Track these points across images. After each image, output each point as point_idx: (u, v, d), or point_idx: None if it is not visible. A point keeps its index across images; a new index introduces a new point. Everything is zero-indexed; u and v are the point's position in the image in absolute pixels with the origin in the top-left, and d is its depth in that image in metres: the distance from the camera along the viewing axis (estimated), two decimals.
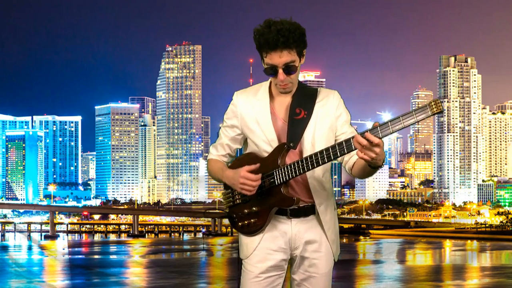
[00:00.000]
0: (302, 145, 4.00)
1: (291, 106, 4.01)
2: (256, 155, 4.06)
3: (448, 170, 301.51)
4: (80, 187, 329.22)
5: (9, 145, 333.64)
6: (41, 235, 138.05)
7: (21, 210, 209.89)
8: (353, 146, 3.71)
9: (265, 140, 4.03)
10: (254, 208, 4.06)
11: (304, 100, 4.02)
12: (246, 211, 4.08)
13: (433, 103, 3.53)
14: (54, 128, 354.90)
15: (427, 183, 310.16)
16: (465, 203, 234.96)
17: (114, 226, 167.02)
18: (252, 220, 4.07)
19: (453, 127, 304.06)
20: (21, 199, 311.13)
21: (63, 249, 70.75)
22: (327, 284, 4.16)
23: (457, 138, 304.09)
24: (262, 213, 4.04)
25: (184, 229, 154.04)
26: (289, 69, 3.91)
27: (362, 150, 3.66)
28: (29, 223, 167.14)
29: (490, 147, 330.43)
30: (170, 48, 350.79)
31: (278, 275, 4.11)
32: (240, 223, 4.12)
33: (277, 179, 3.96)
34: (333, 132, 4.04)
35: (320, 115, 4.01)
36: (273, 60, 3.89)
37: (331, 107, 4.04)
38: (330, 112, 4.04)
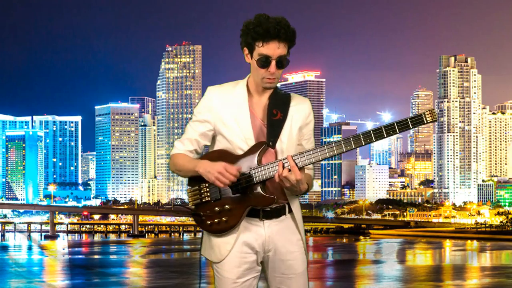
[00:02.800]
0: (278, 146, 3.99)
1: (268, 106, 4.02)
2: (229, 152, 3.99)
3: (448, 170, 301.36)
4: (80, 187, 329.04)
5: (9, 145, 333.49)
6: (41, 235, 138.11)
7: (21, 210, 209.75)
8: (343, 148, 3.79)
9: (241, 138, 3.98)
10: (227, 206, 3.95)
11: (279, 102, 4.03)
12: (217, 209, 3.97)
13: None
14: (54, 128, 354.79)
15: (427, 183, 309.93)
16: (465, 203, 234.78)
17: (114, 226, 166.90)
18: (223, 219, 3.96)
19: (453, 127, 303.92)
20: (21, 199, 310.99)
21: (63, 249, 70.74)
22: (305, 282, 4.11)
23: (457, 138, 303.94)
24: (236, 212, 3.95)
25: (184, 229, 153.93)
26: (282, 62, 3.93)
27: (280, 176, 3.82)
28: (29, 223, 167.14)
29: (490, 147, 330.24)
30: (170, 48, 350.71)
31: (254, 277, 4.06)
32: (208, 222, 4.00)
33: (255, 178, 3.91)
34: (300, 136, 4.08)
35: (294, 119, 4.04)
36: (269, 51, 3.89)
37: (304, 113, 4.07)
38: (302, 116, 4.07)
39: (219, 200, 3.97)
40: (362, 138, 3.77)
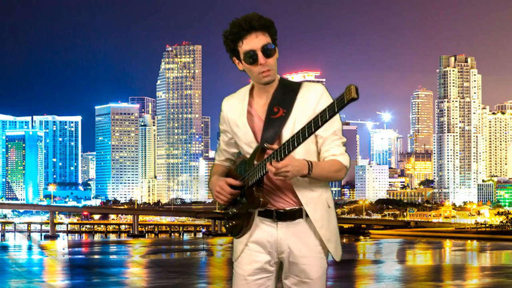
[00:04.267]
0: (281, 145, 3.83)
1: (269, 105, 3.95)
2: (243, 158, 4.06)
3: (448, 170, 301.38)
4: (80, 187, 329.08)
5: (9, 145, 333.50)
6: (41, 235, 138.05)
7: (21, 210, 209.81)
8: (306, 133, 3.58)
9: (245, 142, 4.01)
10: (235, 210, 4.06)
11: (284, 97, 3.93)
12: (230, 213, 4.09)
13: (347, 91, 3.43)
14: (54, 128, 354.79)
15: (427, 183, 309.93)
16: (465, 203, 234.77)
17: (114, 226, 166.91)
18: (234, 222, 4.07)
19: (453, 127, 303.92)
20: (21, 199, 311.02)
21: (63, 249, 70.73)
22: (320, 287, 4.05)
23: (457, 138, 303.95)
24: (241, 215, 4.02)
25: (184, 229, 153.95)
26: (268, 51, 3.86)
27: (275, 176, 3.76)
28: (29, 223, 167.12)
29: (490, 147, 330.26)
30: (170, 48, 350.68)
31: (266, 277, 4.07)
32: (227, 225, 4.14)
33: (250, 180, 3.92)
34: None
35: (299, 112, 3.90)
36: (250, 44, 3.85)
37: (311, 103, 3.91)
38: (309, 107, 3.91)
39: (234, 205, 4.07)
40: (319, 118, 3.50)
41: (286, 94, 3.94)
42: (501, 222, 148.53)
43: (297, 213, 3.99)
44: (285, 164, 3.67)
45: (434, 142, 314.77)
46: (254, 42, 3.85)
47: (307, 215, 3.98)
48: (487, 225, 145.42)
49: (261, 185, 3.93)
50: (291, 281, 4.07)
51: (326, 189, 4.05)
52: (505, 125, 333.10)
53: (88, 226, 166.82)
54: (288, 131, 3.88)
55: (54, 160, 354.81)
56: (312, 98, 3.91)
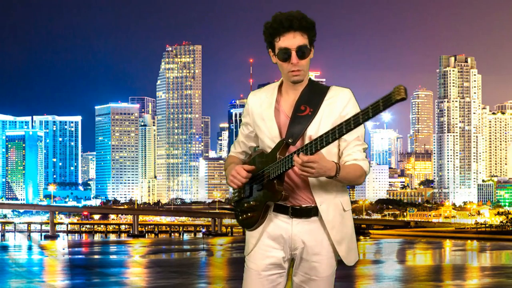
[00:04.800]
0: (304, 142, 3.91)
1: (296, 102, 3.99)
2: (263, 151, 4.08)
3: (448, 170, 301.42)
4: (80, 187, 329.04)
5: (9, 145, 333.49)
6: (41, 235, 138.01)
7: (21, 210, 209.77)
8: (336, 134, 3.65)
9: (269, 137, 4.03)
10: (252, 202, 4.05)
11: (312, 97, 3.99)
12: (246, 205, 4.09)
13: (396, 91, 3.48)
14: (54, 128, 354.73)
15: (427, 183, 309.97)
16: (465, 203, 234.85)
17: (114, 226, 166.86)
18: (249, 214, 4.07)
19: (453, 127, 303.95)
20: (21, 199, 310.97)
21: (63, 249, 70.73)
22: (328, 287, 4.08)
23: (457, 138, 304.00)
24: (258, 208, 4.02)
25: (184, 229, 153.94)
26: (303, 52, 3.91)
27: (299, 168, 3.73)
28: (29, 223, 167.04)
29: (490, 147, 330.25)
30: (170, 48, 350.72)
31: (279, 273, 4.08)
32: (240, 217, 4.15)
33: (272, 173, 3.92)
34: None
35: (326, 113, 3.95)
36: (286, 42, 3.90)
37: (338, 106, 3.96)
38: (336, 110, 3.96)
39: (249, 197, 4.08)
40: (360, 116, 3.54)
41: (314, 94, 3.99)
42: (501, 222, 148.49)
43: (312, 211, 4.01)
44: (314, 159, 3.69)
45: (434, 142, 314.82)
46: (291, 41, 3.90)
47: (319, 212, 4.01)
48: (487, 225, 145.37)
49: (283, 179, 3.95)
50: (299, 278, 4.09)
51: (343, 192, 4.07)
52: (505, 125, 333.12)
53: (88, 226, 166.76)
54: (313, 130, 3.93)
55: (54, 160, 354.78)
56: (339, 102, 3.96)
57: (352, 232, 4.11)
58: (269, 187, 3.96)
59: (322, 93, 3.99)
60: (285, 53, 3.92)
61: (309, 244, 4.02)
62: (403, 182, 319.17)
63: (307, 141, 3.92)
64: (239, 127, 4.31)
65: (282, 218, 4.04)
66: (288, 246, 4.05)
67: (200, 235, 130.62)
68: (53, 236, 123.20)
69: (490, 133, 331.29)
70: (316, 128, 3.93)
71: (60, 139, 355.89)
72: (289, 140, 3.93)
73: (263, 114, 4.06)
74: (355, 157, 3.97)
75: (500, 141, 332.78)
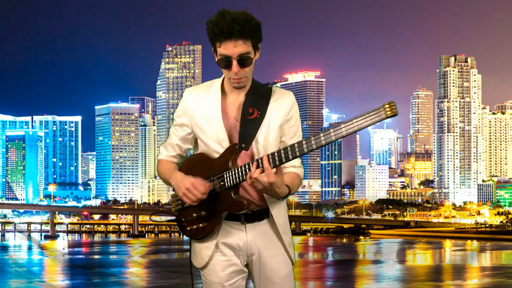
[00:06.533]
0: (254, 147, 3.80)
1: (244, 105, 3.80)
2: (207, 156, 3.84)
3: (448, 170, 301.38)
4: (80, 187, 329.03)
5: (9, 145, 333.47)
6: (41, 235, 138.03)
7: (21, 210, 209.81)
8: (304, 149, 3.55)
9: (215, 140, 3.81)
10: (203, 212, 3.81)
11: (257, 99, 3.81)
12: (194, 215, 3.83)
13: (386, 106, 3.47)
14: (54, 128, 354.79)
15: (427, 183, 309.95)
16: (465, 203, 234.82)
17: (114, 226, 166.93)
18: (200, 225, 3.84)
19: (453, 127, 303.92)
20: (21, 199, 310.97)
21: (63, 249, 70.73)
22: (290, 286, 3.98)
23: (457, 138, 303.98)
24: (211, 218, 3.81)
25: None
26: (244, 61, 3.69)
27: (251, 178, 3.61)
28: (29, 223, 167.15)
29: (490, 147, 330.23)
30: (170, 48, 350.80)
31: (241, 278, 3.95)
32: (188, 228, 3.88)
33: (227, 182, 3.73)
34: (280, 134, 3.87)
35: (273, 116, 3.81)
36: (227, 50, 3.66)
37: (284, 108, 3.84)
38: (282, 113, 3.83)
39: (197, 206, 3.81)
40: (331, 133, 3.47)
41: (260, 96, 3.82)
42: (501, 222, 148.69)
43: (264, 213, 3.89)
44: (272, 179, 3.59)
45: (434, 142, 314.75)
46: (232, 50, 3.66)
47: (272, 215, 3.91)
48: (487, 225, 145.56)
49: (238, 187, 3.78)
50: (261, 282, 3.96)
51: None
52: (505, 125, 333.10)
53: (88, 226, 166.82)
54: (262, 134, 3.79)
55: (54, 160, 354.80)
56: (285, 105, 3.84)
57: (291, 232, 4.03)
58: (224, 197, 3.76)
59: (267, 95, 3.83)
60: (226, 61, 3.69)
61: (265, 247, 3.91)
62: (403, 182, 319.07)
63: (257, 146, 3.78)
64: (171, 128, 3.98)
65: (234, 225, 3.88)
66: (245, 253, 3.91)
67: None
68: (53, 236, 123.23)
69: (490, 133, 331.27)
70: (265, 132, 3.79)
71: (60, 139, 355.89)
72: (242, 145, 3.74)
73: (208, 115, 3.81)
74: (294, 163, 3.87)
75: (500, 141, 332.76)
